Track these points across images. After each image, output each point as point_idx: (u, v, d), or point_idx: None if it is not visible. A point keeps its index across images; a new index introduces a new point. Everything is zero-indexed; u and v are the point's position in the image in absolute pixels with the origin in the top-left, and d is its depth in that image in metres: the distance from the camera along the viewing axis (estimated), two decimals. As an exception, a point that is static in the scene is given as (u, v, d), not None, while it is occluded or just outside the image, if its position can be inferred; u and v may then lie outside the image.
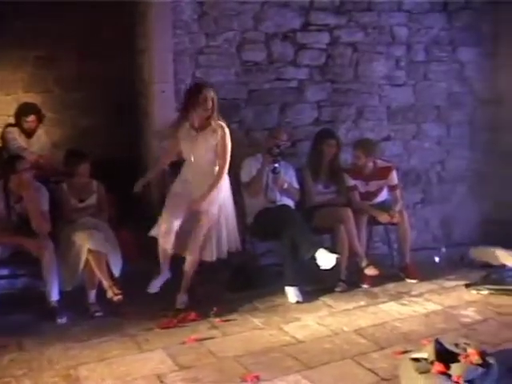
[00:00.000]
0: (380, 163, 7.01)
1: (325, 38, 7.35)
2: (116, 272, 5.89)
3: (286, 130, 6.86)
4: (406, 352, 4.80)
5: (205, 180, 5.87)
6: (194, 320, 5.58)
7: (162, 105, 6.21)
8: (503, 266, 7.05)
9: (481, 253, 7.39)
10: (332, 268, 5.99)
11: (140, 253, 6.32)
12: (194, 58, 6.81)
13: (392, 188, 7.04)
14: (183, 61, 6.76)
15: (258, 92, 7.07)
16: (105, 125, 8.33)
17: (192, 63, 6.80)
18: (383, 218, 6.84)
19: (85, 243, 5.73)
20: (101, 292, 5.80)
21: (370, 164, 6.91)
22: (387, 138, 7.74)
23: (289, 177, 6.66)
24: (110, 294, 5.69)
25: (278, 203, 6.51)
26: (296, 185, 6.73)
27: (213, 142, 5.86)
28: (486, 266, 7.09)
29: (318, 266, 5.97)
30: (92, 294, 5.84)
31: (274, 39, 7.12)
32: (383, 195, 7.09)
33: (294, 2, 7.13)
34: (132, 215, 6.63)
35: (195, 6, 6.74)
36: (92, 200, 6.30)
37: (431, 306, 6.05)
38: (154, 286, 5.89)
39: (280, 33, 7.13)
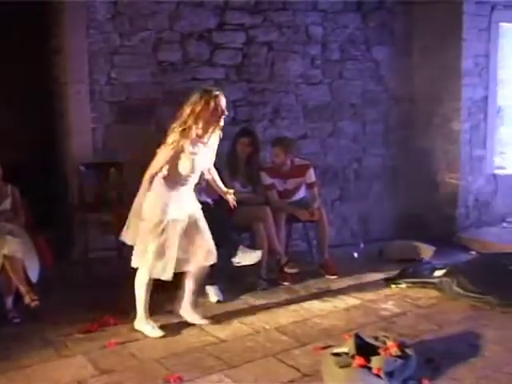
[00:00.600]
0: (297, 161, 7.06)
1: (240, 37, 7.36)
2: (33, 277, 5.75)
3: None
4: (327, 347, 4.84)
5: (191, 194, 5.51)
6: (115, 324, 5.51)
7: (77, 106, 6.12)
8: (420, 260, 7.20)
9: (398, 247, 7.53)
10: (252, 266, 6.01)
11: (56, 257, 6.20)
12: (109, 59, 6.73)
13: (310, 186, 7.10)
14: (98, 61, 6.68)
15: (174, 92, 7.01)
16: (16, 126, 8.14)
17: (107, 63, 6.72)
18: (302, 215, 6.90)
19: (0, 249, 5.59)
20: (18, 298, 5.67)
21: (288, 162, 6.95)
22: (304, 137, 7.81)
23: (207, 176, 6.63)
24: (27, 299, 5.56)
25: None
26: (215, 184, 6.70)
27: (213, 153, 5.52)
28: (404, 260, 7.21)
29: (237, 264, 5.98)
30: (9, 301, 5.69)
31: (190, 39, 7.09)
32: (301, 193, 7.14)
33: (209, 1, 7.12)
34: (48, 219, 6.50)
35: (109, 6, 6.66)
36: (6, 205, 6.14)
37: (351, 301, 6.12)
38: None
39: (195, 32, 7.11)
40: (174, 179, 5.19)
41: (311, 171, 7.10)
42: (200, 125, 5.13)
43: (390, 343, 4.51)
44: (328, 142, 8.04)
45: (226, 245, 5.95)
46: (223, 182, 6.71)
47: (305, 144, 7.84)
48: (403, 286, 6.50)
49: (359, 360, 4.30)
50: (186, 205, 5.31)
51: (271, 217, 6.58)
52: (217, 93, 5.18)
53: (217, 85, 7.10)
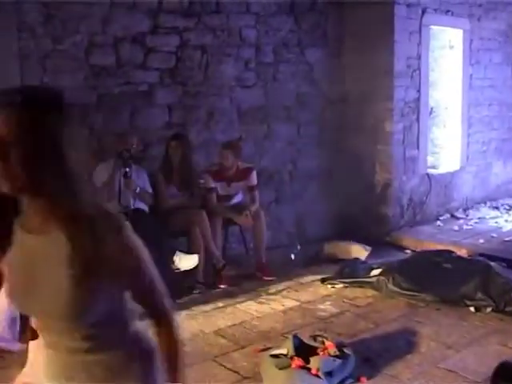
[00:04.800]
0: (241, 164, 7.06)
1: (174, 40, 7.32)
2: None
3: (135, 134, 6.79)
4: (265, 349, 4.88)
5: None
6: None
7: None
8: (356, 259, 7.26)
9: (334, 248, 7.60)
10: (189, 270, 6.00)
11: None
12: (41, 63, 6.62)
13: (250, 188, 7.11)
14: (30, 65, 6.56)
15: (107, 96, 6.93)
16: None
17: (39, 68, 6.61)
18: (240, 220, 6.91)
19: None
20: None
21: (235, 165, 6.95)
22: (239, 139, 7.80)
23: (141, 181, 6.60)
24: None
25: (132, 208, 6.43)
26: (149, 189, 6.67)
27: None
28: (340, 260, 7.29)
29: (173, 269, 5.96)
30: None
31: (123, 42, 7.02)
32: (239, 197, 7.16)
33: (142, 3, 7.05)
34: None
35: (40, 8, 6.54)
36: None
37: (289, 303, 6.17)
38: None
39: (129, 36, 7.04)
40: None
41: (254, 174, 7.11)
42: None
43: (328, 343, 4.56)
44: (263, 144, 8.05)
45: (161, 251, 5.93)
46: (159, 187, 6.73)
47: (240, 147, 7.84)
48: (340, 286, 6.57)
49: (298, 361, 4.33)
50: None
51: (207, 220, 6.58)
52: None
53: (151, 88, 7.13)
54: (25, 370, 2.54)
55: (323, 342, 4.58)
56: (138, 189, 6.50)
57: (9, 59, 6.42)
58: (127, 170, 6.31)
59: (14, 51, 6.44)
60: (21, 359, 2.77)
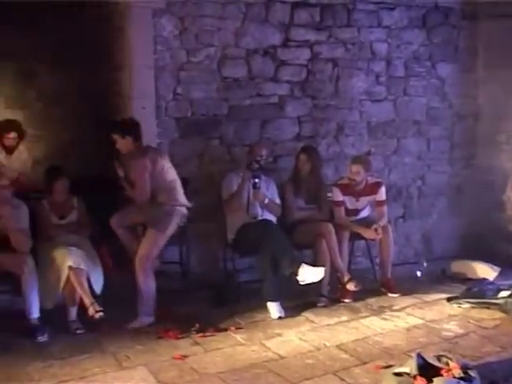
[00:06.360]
0: (370, 179, 7.00)
1: (305, 53, 7.37)
2: (97, 289, 5.86)
3: (265, 145, 6.87)
4: (387, 367, 4.81)
5: None
6: (175, 337, 5.56)
7: (142, 121, 6.18)
8: (483, 280, 7.08)
9: (461, 267, 7.43)
10: (313, 283, 6.01)
11: (119, 270, 6.29)
12: (175, 74, 6.80)
13: (379, 203, 7.03)
14: (164, 77, 6.76)
15: (238, 108, 7.07)
16: (87, 140, 8.29)
17: (173, 79, 6.80)
18: (368, 234, 6.84)
19: (65, 260, 5.69)
20: (82, 309, 5.76)
21: (364, 180, 6.93)
22: (368, 154, 7.75)
23: (270, 192, 6.67)
24: (91, 311, 5.64)
25: (260, 218, 6.51)
26: (278, 200, 6.74)
27: None
28: (467, 279, 7.12)
29: (298, 281, 5.99)
30: (73, 312, 5.79)
31: (255, 55, 7.13)
32: (366, 211, 7.10)
33: (274, 17, 7.15)
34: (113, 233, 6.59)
35: (176, 22, 6.74)
36: (73, 217, 6.28)
37: (413, 321, 6.06)
38: None
39: (260, 49, 7.15)
40: None
41: (383, 189, 7.03)
42: None
43: (452, 364, 4.45)
44: (392, 159, 7.98)
45: (286, 261, 5.98)
46: (287, 199, 6.78)
47: (369, 161, 7.80)
48: (466, 306, 6.41)
49: (421, 381, 4.25)
50: None
51: (334, 233, 6.56)
52: None
53: (281, 101, 7.20)
54: None
55: (448, 363, 4.48)
56: (267, 200, 6.56)
57: (144, 70, 6.65)
58: (256, 180, 6.39)
59: (149, 63, 6.66)
60: None
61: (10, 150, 7.18)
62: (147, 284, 5.90)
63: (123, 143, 6.02)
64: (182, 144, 6.85)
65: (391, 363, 4.90)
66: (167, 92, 6.79)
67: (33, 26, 7.89)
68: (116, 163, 6.14)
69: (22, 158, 7.30)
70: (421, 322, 6.03)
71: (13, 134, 7.14)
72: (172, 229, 5.99)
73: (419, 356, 4.52)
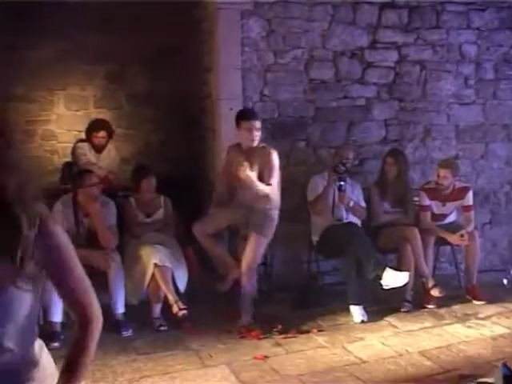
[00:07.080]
0: (458, 184, 6.89)
1: (393, 55, 7.31)
2: (181, 287, 5.95)
3: (352, 148, 6.86)
4: (471, 376, 4.73)
5: None
6: (257, 337, 5.59)
7: (230, 122, 6.23)
8: None
9: (549, 276, 7.26)
10: (397, 288, 5.96)
11: (203, 269, 6.37)
12: (262, 76, 6.85)
13: (466, 209, 6.91)
14: (251, 78, 6.81)
15: (324, 110, 7.07)
16: (175, 141, 8.41)
17: (260, 80, 6.85)
18: (454, 239, 6.73)
19: (151, 258, 5.79)
20: (166, 306, 5.85)
21: (451, 184, 6.83)
22: (455, 158, 7.64)
23: (355, 195, 6.65)
24: (175, 308, 5.73)
25: (345, 221, 6.49)
26: (363, 203, 6.71)
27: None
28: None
29: (381, 286, 5.96)
30: (157, 308, 5.89)
31: (342, 57, 7.12)
32: (452, 216, 6.99)
33: (361, 19, 7.12)
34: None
35: (263, 24, 6.79)
36: (159, 215, 6.38)
37: (499, 330, 5.93)
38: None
39: (348, 50, 7.13)
40: None
41: (470, 194, 6.91)
42: None
43: (540, 376, 4.35)
44: (479, 163, 7.84)
45: (370, 265, 5.95)
46: (373, 202, 6.75)
47: (456, 165, 7.68)
48: (555, 316, 6.26)
49: (506, 392, 4.18)
50: None
51: (419, 238, 6.49)
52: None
53: (368, 103, 7.17)
54: None
55: (534, 375, 4.39)
56: (352, 202, 6.54)
57: (232, 72, 6.71)
58: (342, 183, 6.38)
59: (237, 64, 6.72)
60: None
61: (99, 149, 7.34)
62: (252, 286, 6.00)
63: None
64: (268, 145, 6.88)
65: (475, 373, 4.81)
66: (254, 93, 6.84)
67: (123, 29, 8.03)
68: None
69: (110, 157, 7.45)
70: (507, 331, 5.89)
71: (102, 133, 7.30)
72: (272, 233, 6.05)
73: (505, 366, 4.43)
